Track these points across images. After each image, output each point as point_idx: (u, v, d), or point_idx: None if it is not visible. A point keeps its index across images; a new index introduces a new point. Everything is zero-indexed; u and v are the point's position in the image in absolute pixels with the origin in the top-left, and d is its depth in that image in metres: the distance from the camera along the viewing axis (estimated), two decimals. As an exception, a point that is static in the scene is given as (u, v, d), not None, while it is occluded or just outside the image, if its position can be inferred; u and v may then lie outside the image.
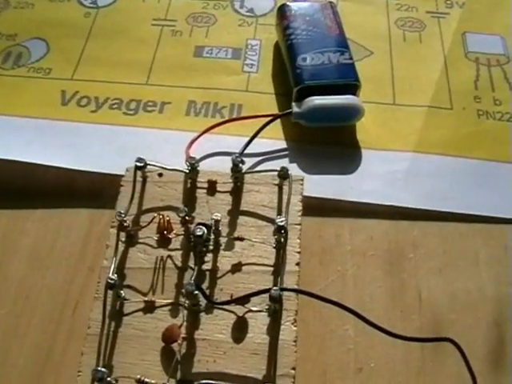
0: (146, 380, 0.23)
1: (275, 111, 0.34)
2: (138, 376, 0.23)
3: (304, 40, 0.34)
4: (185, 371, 0.24)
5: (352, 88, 0.33)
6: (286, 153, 0.33)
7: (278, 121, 0.34)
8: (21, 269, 0.29)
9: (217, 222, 0.26)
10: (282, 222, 0.25)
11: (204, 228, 0.25)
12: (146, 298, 0.25)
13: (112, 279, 0.24)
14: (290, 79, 0.34)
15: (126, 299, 0.25)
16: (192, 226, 0.27)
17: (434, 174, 0.32)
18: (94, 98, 0.35)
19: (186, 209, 0.26)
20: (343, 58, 0.34)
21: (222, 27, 0.40)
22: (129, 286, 0.26)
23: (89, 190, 0.31)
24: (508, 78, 0.37)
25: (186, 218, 0.26)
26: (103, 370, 0.23)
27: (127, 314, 0.25)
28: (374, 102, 0.35)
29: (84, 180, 0.32)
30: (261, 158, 0.33)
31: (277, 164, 0.31)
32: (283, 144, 0.33)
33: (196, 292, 0.24)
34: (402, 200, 0.31)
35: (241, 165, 0.28)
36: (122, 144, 0.33)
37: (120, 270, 0.26)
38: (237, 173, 0.28)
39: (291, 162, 0.32)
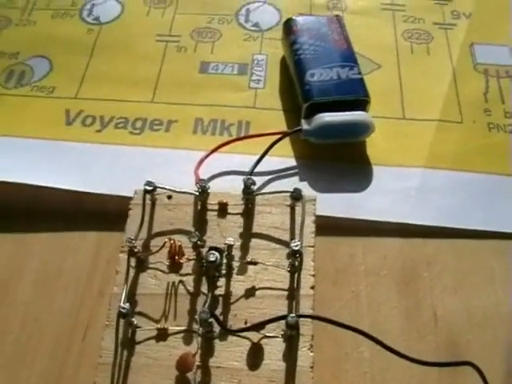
0: (161, 411, 0.23)
1: (283, 128, 0.34)
2: (153, 406, 0.23)
3: (312, 55, 0.34)
4: (200, 400, 0.23)
5: (362, 104, 0.32)
6: (296, 171, 0.32)
7: (287, 138, 0.33)
8: (27, 293, 0.29)
9: (230, 246, 0.25)
10: (296, 246, 0.25)
11: (217, 253, 0.25)
12: (159, 326, 0.25)
13: (124, 308, 0.24)
14: (298, 95, 0.33)
15: (138, 327, 0.25)
16: (204, 251, 0.26)
17: (446, 190, 0.32)
18: (99, 117, 0.35)
19: (198, 233, 0.25)
20: (352, 73, 0.33)
21: (227, 42, 0.39)
22: (140, 313, 0.25)
23: (96, 212, 0.31)
24: (518, 89, 0.36)
25: (198, 242, 0.25)
26: (117, 401, 0.22)
27: (139, 342, 0.24)
28: (384, 117, 0.35)
29: (91, 202, 0.31)
30: (270, 176, 0.32)
31: (287, 182, 0.31)
32: (293, 162, 0.33)
33: (210, 320, 0.23)
34: (414, 217, 0.31)
35: (252, 186, 0.27)
36: (129, 164, 0.32)
37: (131, 296, 0.25)
38: (248, 194, 0.27)
39: (301, 180, 0.32)
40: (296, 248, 0.25)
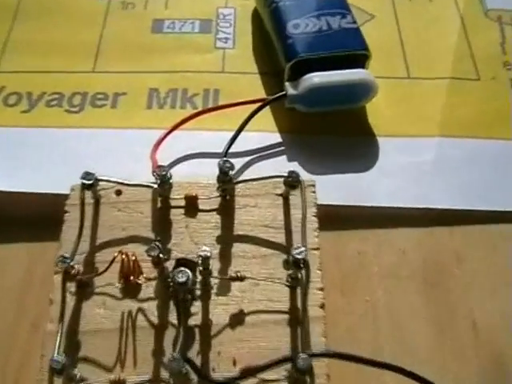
0: None
1: (262, 95, 0.30)
2: None
3: (293, 2, 0.29)
4: None
5: (360, 59, 0.28)
6: (282, 148, 0.28)
7: (268, 108, 0.29)
8: None
9: (206, 259, 0.19)
10: (300, 253, 0.18)
11: (188, 271, 0.18)
12: (112, 376, 0.19)
13: (58, 362, 0.17)
14: (278, 53, 0.29)
15: (82, 380, 0.18)
16: (169, 265, 0.20)
17: (469, 163, 0.28)
18: (26, 93, 0.30)
19: (159, 243, 0.19)
20: (345, 22, 0.28)
21: (185, -6, 0.34)
22: (86, 359, 0.19)
23: (26, 218, 0.26)
24: (539, 36, 0.33)
25: (160, 256, 0.19)
26: None
27: (86, 403, 0.18)
28: (384, 77, 0.30)
29: (19, 204, 0.26)
30: (249, 157, 0.27)
31: (271, 164, 0.28)
32: (277, 137, 0.28)
33: (185, 369, 0.17)
34: (433, 200, 0.26)
35: (230, 172, 0.22)
36: (66, 152, 0.28)
37: (71, 336, 0.19)
38: (225, 183, 0.22)
39: (289, 160, 0.27)
40: (300, 256, 0.18)
